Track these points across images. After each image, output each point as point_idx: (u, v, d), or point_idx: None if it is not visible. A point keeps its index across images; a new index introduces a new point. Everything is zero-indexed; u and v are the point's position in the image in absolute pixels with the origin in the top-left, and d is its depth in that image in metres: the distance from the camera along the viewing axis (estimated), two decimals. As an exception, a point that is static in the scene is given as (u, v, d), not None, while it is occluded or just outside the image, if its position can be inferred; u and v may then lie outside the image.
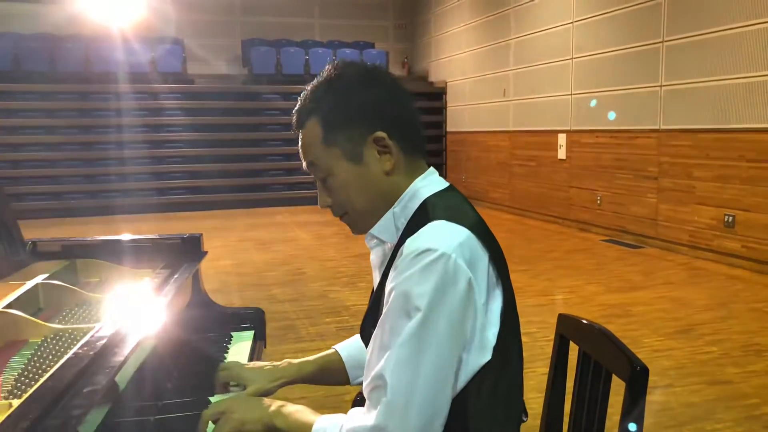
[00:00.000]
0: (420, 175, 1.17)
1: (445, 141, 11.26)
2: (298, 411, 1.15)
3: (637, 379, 1.11)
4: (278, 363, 1.41)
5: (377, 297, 1.16)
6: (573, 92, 7.77)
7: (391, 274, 1.05)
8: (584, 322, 1.33)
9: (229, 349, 1.70)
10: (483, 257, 1.05)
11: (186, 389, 1.43)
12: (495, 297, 1.08)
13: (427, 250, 1.00)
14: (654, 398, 3.09)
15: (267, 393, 1.36)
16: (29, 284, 1.54)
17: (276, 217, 9.21)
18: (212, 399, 1.33)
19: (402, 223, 1.14)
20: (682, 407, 2.98)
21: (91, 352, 1.05)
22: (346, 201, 1.16)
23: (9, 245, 1.73)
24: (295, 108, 1.18)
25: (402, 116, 1.16)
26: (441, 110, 11.23)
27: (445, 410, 1.02)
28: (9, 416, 0.82)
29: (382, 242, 1.19)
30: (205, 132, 9.87)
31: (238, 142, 9.95)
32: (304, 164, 1.18)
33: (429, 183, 1.16)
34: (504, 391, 1.08)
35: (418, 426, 0.99)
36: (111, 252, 1.86)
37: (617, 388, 1.22)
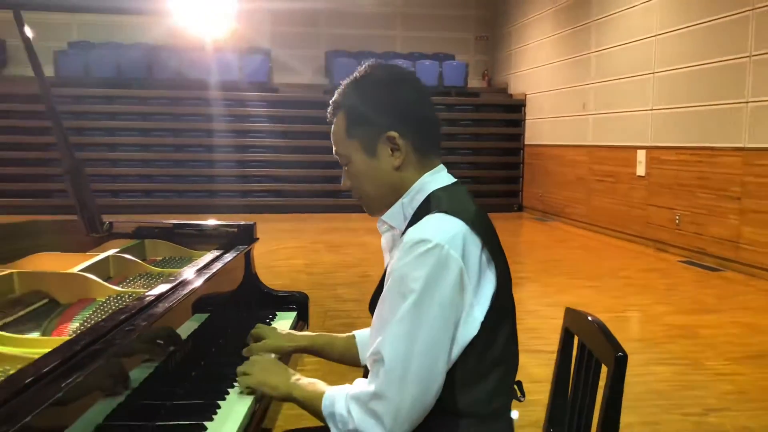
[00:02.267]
0: (430, 170, 1.29)
1: (523, 154, 11.21)
2: (312, 383, 1.28)
3: (618, 364, 1.20)
4: (298, 332, 1.60)
5: (384, 278, 1.31)
6: (653, 107, 7.60)
7: (393, 258, 1.20)
8: (583, 314, 1.41)
9: (270, 324, 1.88)
10: (476, 247, 1.18)
11: (230, 352, 1.62)
12: (486, 280, 1.20)
13: (423, 241, 1.13)
14: (709, 419, 3.05)
15: (281, 351, 1.55)
16: (102, 255, 1.79)
17: (349, 223, 9.48)
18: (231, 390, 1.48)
19: (409, 212, 1.27)
20: (736, 430, 2.93)
21: (135, 307, 1.25)
22: (359, 187, 1.31)
23: (90, 224, 1.99)
24: (332, 100, 1.34)
25: (418, 118, 1.28)
26: (520, 123, 11.20)
27: (439, 381, 1.14)
28: (65, 342, 1.02)
29: (391, 228, 1.33)
30: (288, 139, 10.29)
31: (319, 149, 10.31)
32: (333, 151, 1.34)
33: (436, 178, 1.29)
34: (488, 366, 1.21)
35: (414, 394, 1.11)
36: (175, 235, 2.10)
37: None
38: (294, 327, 1.97)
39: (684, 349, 4.00)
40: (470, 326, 1.17)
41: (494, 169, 11.22)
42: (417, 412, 1.13)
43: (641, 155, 7.82)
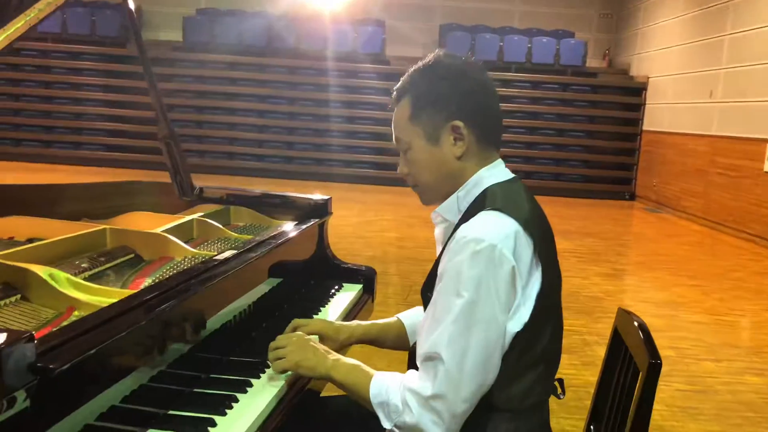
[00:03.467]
0: (488, 164, 1.30)
1: (640, 140, 10.66)
2: (354, 366, 1.29)
3: (650, 371, 1.18)
4: (349, 323, 1.59)
5: (436, 267, 1.31)
6: (789, 98, 6.98)
7: (445, 254, 1.21)
8: (630, 316, 1.39)
9: (335, 294, 1.99)
10: (528, 247, 1.18)
11: (291, 318, 1.73)
12: (533, 280, 1.20)
13: (476, 239, 1.14)
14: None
15: (334, 346, 1.50)
16: (187, 218, 1.96)
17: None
18: None
19: (464, 206, 1.28)
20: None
21: (204, 267, 1.38)
22: (417, 174, 1.33)
23: (182, 188, 2.17)
24: (396, 86, 1.35)
25: (483, 110, 1.29)
26: (639, 107, 10.64)
27: (492, 376, 1.17)
28: (128, 296, 1.16)
29: (445, 220, 1.34)
30: (396, 111, 10.38)
31: (425, 124, 10.32)
32: (393, 137, 1.37)
33: (494, 173, 1.29)
34: (527, 364, 1.22)
35: (470, 391, 1.14)
36: (258, 204, 2.25)
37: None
38: (358, 299, 2.06)
39: (786, 362, 3.75)
40: (514, 324, 1.18)
41: (608, 154, 10.76)
42: (471, 408, 1.16)
43: (770, 149, 7.23)
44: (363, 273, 2.15)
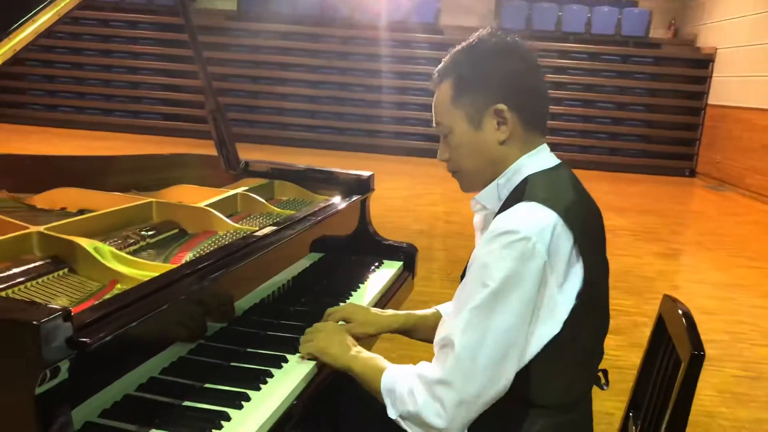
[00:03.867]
0: (531, 150, 1.24)
1: (704, 115, 10.22)
2: (372, 358, 1.27)
3: (692, 363, 1.14)
4: (386, 312, 1.56)
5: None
6: None
7: (479, 243, 1.17)
8: (676, 303, 1.35)
9: (375, 271, 1.99)
10: (567, 240, 1.12)
11: (330, 294, 1.75)
12: (572, 276, 1.14)
13: (511, 231, 1.09)
14: None
15: (368, 336, 1.50)
16: (231, 192, 1.99)
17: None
18: None
19: (504, 194, 1.23)
20: None
21: (243, 243, 1.41)
22: (458, 160, 1.27)
23: (228, 162, 2.20)
24: (437, 68, 1.29)
25: (528, 92, 1.23)
26: (705, 80, 10.18)
27: (507, 376, 1.10)
28: (167, 271, 1.19)
29: (485, 208, 1.29)
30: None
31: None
32: (433, 121, 1.31)
33: (536, 160, 1.23)
34: (569, 361, 1.17)
35: (479, 386, 1.09)
36: (302, 178, 2.26)
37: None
38: (398, 277, 2.06)
39: None
40: (552, 323, 1.13)
41: (669, 129, 10.37)
42: (479, 404, 1.10)
43: None
44: (404, 250, 2.14)
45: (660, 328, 1.44)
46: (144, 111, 10.80)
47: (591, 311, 1.18)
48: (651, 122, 10.39)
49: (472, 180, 1.29)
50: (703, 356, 1.15)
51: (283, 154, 9.41)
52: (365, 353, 1.30)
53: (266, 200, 2.17)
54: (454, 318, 1.13)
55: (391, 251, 2.15)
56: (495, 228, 1.12)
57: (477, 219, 1.35)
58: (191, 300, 1.19)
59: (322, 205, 1.91)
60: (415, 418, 1.12)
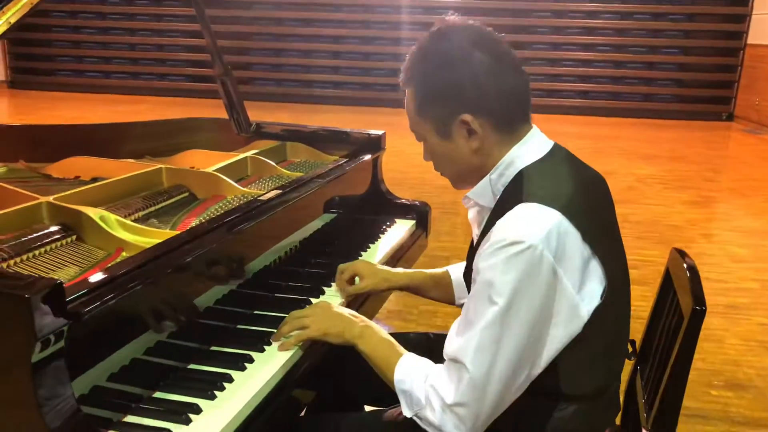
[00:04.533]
0: (519, 140, 1.15)
1: (743, 55, 9.81)
2: (383, 341, 1.21)
3: (693, 318, 1.13)
4: (396, 269, 1.56)
5: (473, 253, 1.22)
6: None
7: (481, 252, 1.07)
8: (680, 256, 1.33)
9: (387, 230, 2.00)
10: (575, 239, 1.05)
11: (342, 255, 1.75)
12: (592, 273, 1.08)
13: (515, 242, 1.02)
14: None
15: (375, 292, 1.54)
16: (241, 156, 2.00)
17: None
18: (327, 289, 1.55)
19: (499, 189, 1.16)
20: None
21: (247, 207, 1.43)
22: (439, 167, 1.22)
23: (238, 124, 2.21)
24: (402, 67, 1.19)
25: (495, 94, 1.11)
26: (744, 18, 9.73)
27: (521, 384, 1.07)
28: (174, 236, 1.21)
29: (478, 204, 1.23)
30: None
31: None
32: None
33: (528, 149, 1.15)
34: (594, 354, 1.13)
35: (495, 399, 1.05)
36: (313, 139, 2.26)
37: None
38: (411, 235, 2.06)
39: None
40: (573, 324, 1.07)
41: (704, 72, 10.00)
42: (496, 413, 1.08)
43: None
44: (416, 208, 2.14)
45: (667, 282, 1.42)
46: (170, 73, 10.84)
47: (615, 302, 1.12)
48: (685, 65, 10.02)
49: (459, 182, 1.24)
50: (704, 311, 1.14)
51: (308, 112, 9.40)
52: (375, 330, 1.24)
53: (279, 162, 2.18)
54: (463, 333, 1.08)
55: (403, 210, 2.15)
56: (497, 239, 1.04)
57: (471, 214, 1.30)
58: (194, 266, 1.21)
59: (330, 166, 1.91)
60: (434, 427, 1.09)
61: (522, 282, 1.02)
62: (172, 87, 10.64)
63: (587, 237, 1.06)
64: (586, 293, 1.08)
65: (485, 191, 1.19)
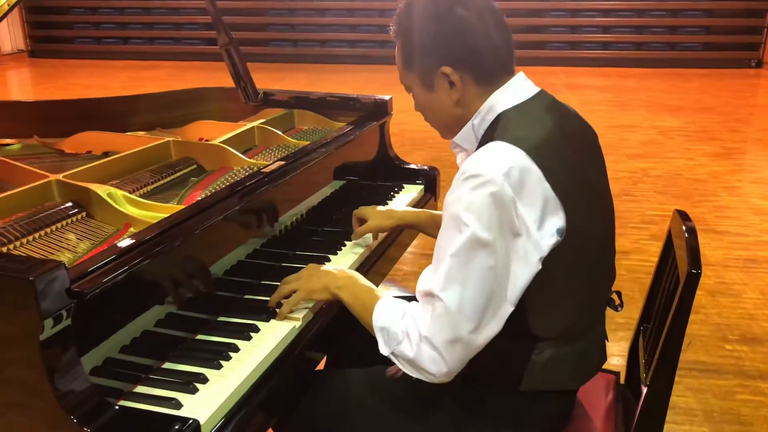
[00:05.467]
0: (499, 87, 1.19)
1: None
2: (364, 288, 1.27)
3: (688, 281, 1.14)
4: (400, 209, 1.66)
5: None
6: None
7: (451, 187, 1.13)
8: (681, 217, 1.33)
9: (395, 196, 2.02)
10: (536, 177, 1.08)
11: (347, 223, 1.78)
12: (552, 211, 1.11)
13: (476, 175, 1.07)
14: None
15: (383, 229, 1.64)
16: (248, 126, 2.02)
17: (549, 78, 9.02)
18: (346, 243, 1.65)
19: (480, 133, 1.21)
20: None
21: (249, 180, 1.46)
22: (426, 117, 1.29)
23: (245, 94, 2.22)
24: (391, 24, 1.27)
25: (475, 48, 1.17)
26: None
27: (498, 317, 1.10)
28: (171, 215, 1.25)
29: (464, 149, 1.28)
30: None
31: None
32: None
33: (509, 94, 1.19)
34: (565, 294, 1.15)
35: (469, 328, 1.08)
36: (322, 105, 2.27)
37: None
38: (420, 199, 2.08)
39: None
40: (535, 256, 1.10)
41: (732, 17, 9.68)
42: (474, 345, 1.11)
43: None
44: (424, 173, 2.15)
45: (669, 244, 1.42)
46: (186, 37, 10.81)
47: (580, 244, 1.14)
48: (712, 11, 9.71)
49: (446, 131, 1.30)
50: (699, 275, 1.14)
51: (325, 72, 9.34)
52: (358, 281, 1.30)
53: (287, 130, 2.20)
54: (435, 268, 1.13)
55: (411, 174, 2.16)
56: (462, 172, 1.10)
57: (459, 160, 1.33)
58: (197, 241, 1.25)
59: (336, 134, 1.92)
60: (410, 362, 1.13)
61: (483, 212, 1.06)
62: (188, 51, 10.63)
63: (550, 177, 1.10)
64: (546, 230, 1.11)
65: (468, 136, 1.25)
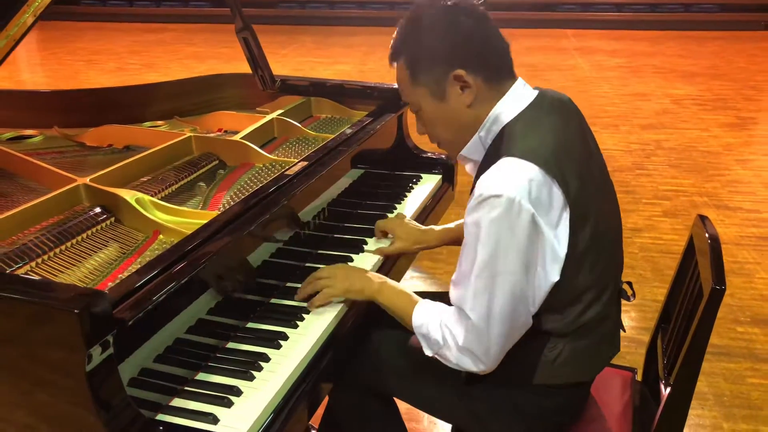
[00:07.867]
0: (503, 96, 1.24)
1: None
2: (400, 293, 1.35)
3: (712, 297, 1.15)
4: (427, 227, 1.66)
5: None
6: None
7: (467, 206, 1.19)
8: (704, 226, 1.33)
9: (413, 187, 2.02)
10: (552, 187, 1.14)
11: (368, 221, 1.79)
12: (564, 218, 1.17)
13: (494, 195, 1.12)
14: None
15: (407, 252, 1.66)
16: (267, 118, 2.02)
17: (560, 41, 8.88)
18: (368, 240, 1.67)
19: (488, 143, 1.26)
20: None
21: (275, 184, 1.47)
22: (434, 133, 1.31)
23: (263, 81, 2.21)
24: (391, 44, 1.29)
25: (483, 49, 1.23)
26: None
27: (524, 318, 1.19)
28: (204, 224, 1.27)
29: (472, 160, 1.32)
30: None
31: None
32: (402, 99, 1.33)
33: (510, 103, 1.24)
34: (578, 292, 1.22)
35: (499, 339, 1.18)
36: (339, 93, 2.26)
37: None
38: (438, 190, 2.09)
39: None
40: (557, 264, 1.17)
41: (749, -23, 9.46)
42: (507, 346, 1.21)
43: None
44: (442, 162, 2.15)
45: (690, 251, 1.43)
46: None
47: (591, 244, 1.19)
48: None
49: (454, 147, 1.33)
50: (723, 290, 1.16)
51: (333, 35, 9.21)
52: (391, 284, 1.37)
53: (304, 119, 2.19)
54: (459, 284, 1.21)
55: (429, 164, 2.17)
56: (479, 193, 1.14)
57: (468, 168, 1.37)
58: (229, 250, 1.27)
59: (354, 130, 1.90)
60: (455, 365, 1.24)
61: (504, 232, 1.12)
62: (196, 13, 10.49)
63: (563, 185, 1.15)
64: (560, 236, 1.17)
65: (476, 147, 1.28)
